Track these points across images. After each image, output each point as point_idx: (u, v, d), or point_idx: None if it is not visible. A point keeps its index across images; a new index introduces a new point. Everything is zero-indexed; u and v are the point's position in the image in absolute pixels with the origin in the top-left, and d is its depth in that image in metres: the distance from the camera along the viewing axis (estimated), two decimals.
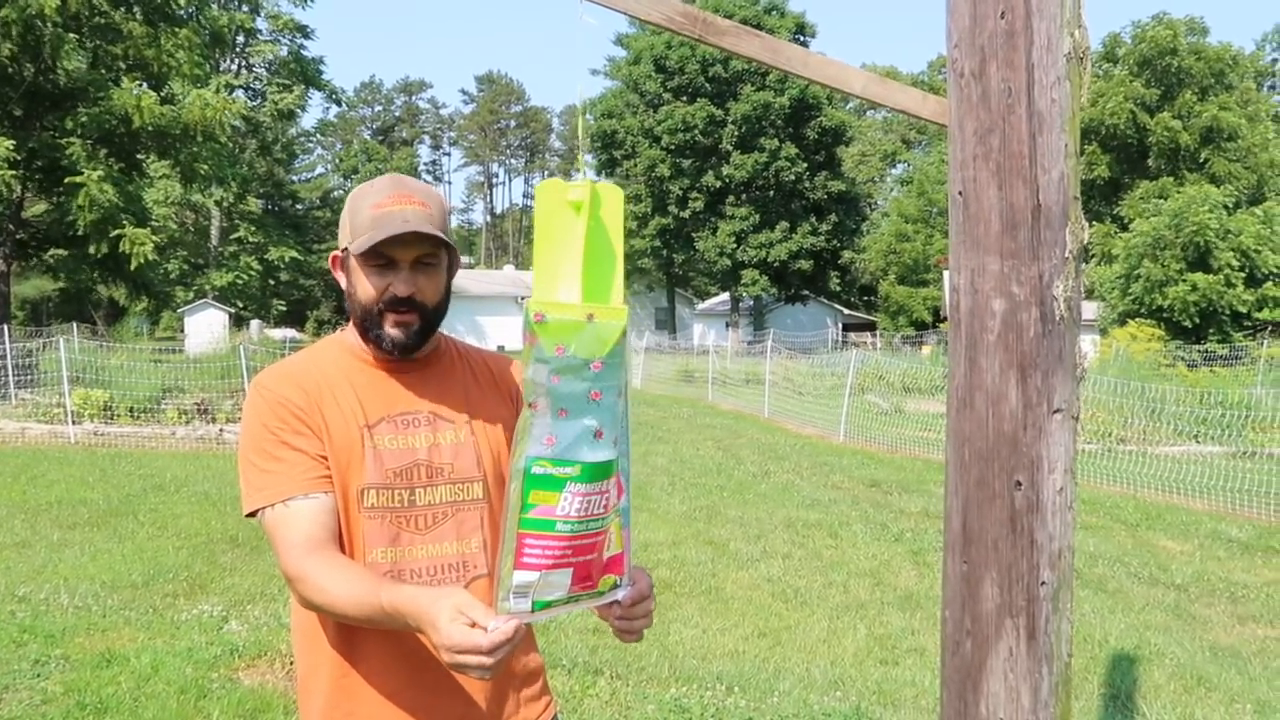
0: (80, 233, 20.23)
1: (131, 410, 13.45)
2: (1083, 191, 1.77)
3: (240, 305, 44.08)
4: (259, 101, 46.14)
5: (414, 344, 1.67)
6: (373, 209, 1.62)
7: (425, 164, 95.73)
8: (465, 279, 46.84)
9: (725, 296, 51.42)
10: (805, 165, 45.22)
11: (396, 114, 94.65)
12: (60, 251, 23.74)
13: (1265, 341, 25.74)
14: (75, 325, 23.23)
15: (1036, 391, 1.73)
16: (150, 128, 20.59)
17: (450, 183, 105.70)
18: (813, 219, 46.34)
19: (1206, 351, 24.60)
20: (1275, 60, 59.12)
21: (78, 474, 10.20)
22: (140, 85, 21.48)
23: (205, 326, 30.07)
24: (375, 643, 1.61)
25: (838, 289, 55.00)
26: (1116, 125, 37.96)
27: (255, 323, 39.01)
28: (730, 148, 44.87)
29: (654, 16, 1.81)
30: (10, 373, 15.14)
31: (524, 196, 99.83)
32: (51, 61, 20.19)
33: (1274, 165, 37.56)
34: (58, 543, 7.25)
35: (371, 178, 2.23)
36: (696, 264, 52.14)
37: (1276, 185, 37.24)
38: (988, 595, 1.78)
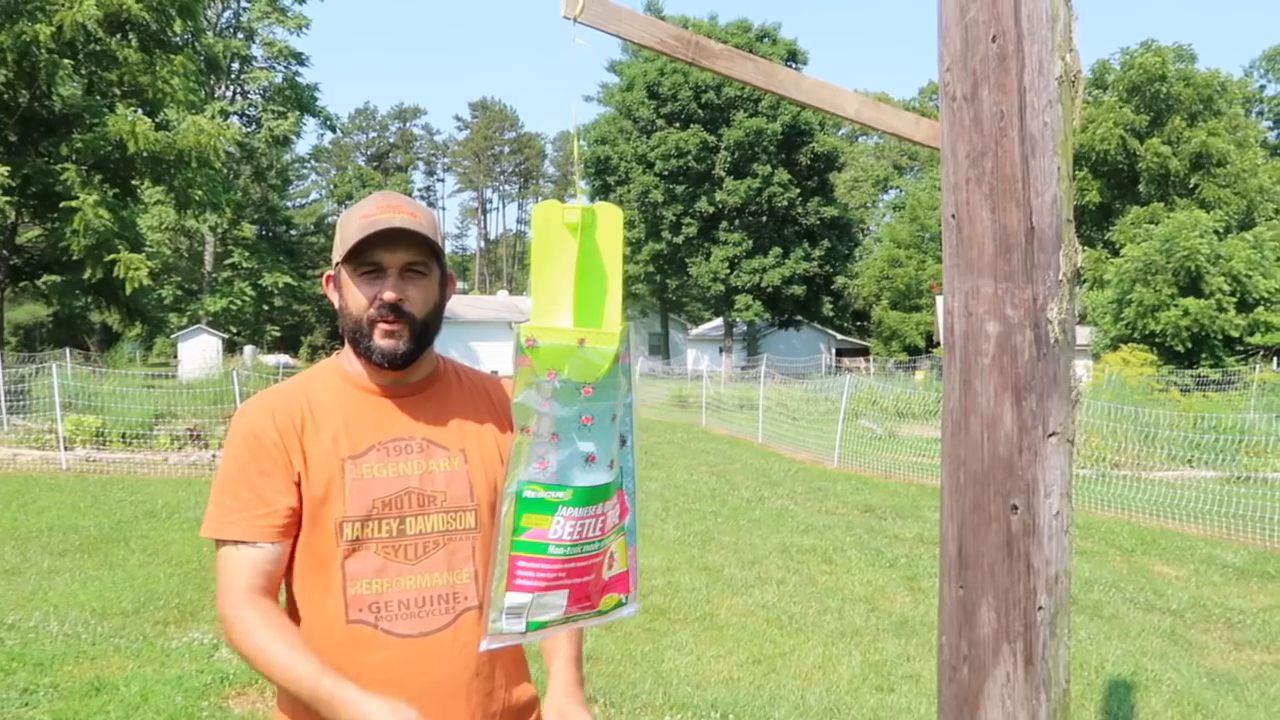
0: (74, 258, 20.23)
1: (124, 436, 13.38)
2: (1074, 217, 1.77)
3: (234, 331, 44.13)
4: (254, 128, 46.31)
5: (404, 357, 1.64)
6: (361, 219, 1.62)
7: (419, 190, 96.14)
8: (459, 304, 46.87)
9: (719, 322, 51.47)
10: (798, 191, 45.41)
11: (391, 140, 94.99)
12: (54, 277, 23.77)
13: (1257, 366, 25.80)
14: (68, 351, 23.13)
15: (1031, 414, 1.72)
16: (145, 153, 20.64)
17: (444, 208, 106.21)
18: (805, 244, 46.48)
19: (1199, 376, 24.65)
20: (1263, 86, 59.76)
21: (69, 500, 10.13)
22: (135, 111, 21.53)
23: (199, 352, 29.92)
24: (356, 676, 1.52)
25: (831, 314, 55.20)
26: (1107, 151, 38.20)
27: (249, 348, 38.89)
28: (723, 173, 45.05)
29: (648, 40, 1.82)
30: (2, 399, 15.07)
31: (518, 222, 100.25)
32: (47, 87, 20.28)
33: (1263, 190, 37.76)
34: (48, 570, 7.18)
35: None
36: (690, 289, 52.29)
37: (1266, 210, 37.43)
38: (984, 620, 1.76)
